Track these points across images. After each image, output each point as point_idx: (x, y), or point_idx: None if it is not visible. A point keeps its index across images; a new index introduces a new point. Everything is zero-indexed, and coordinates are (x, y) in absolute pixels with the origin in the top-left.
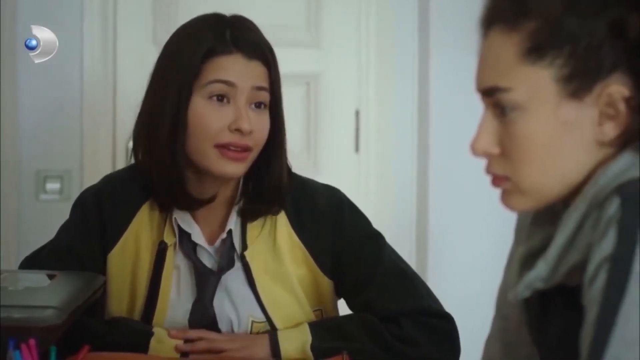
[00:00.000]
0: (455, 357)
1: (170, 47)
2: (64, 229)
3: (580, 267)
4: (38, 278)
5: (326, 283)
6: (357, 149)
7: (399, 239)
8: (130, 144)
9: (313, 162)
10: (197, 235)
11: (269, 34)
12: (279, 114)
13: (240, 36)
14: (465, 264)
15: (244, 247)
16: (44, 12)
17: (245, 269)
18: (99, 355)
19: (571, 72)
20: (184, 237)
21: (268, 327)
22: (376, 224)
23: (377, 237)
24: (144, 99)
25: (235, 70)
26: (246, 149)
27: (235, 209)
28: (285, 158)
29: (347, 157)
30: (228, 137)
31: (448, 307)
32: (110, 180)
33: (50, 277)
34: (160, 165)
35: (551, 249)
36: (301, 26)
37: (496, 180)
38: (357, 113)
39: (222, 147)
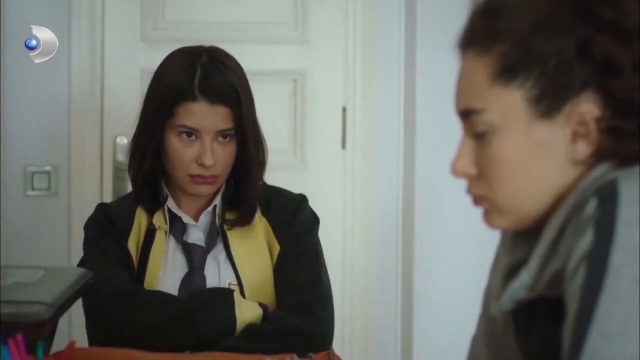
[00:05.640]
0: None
1: (153, 82)
2: (88, 246)
3: (563, 275)
4: (26, 273)
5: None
6: (343, 145)
7: (385, 236)
8: (118, 140)
9: (300, 159)
10: (186, 217)
11: (257, 31)
12: (248, 141)
13: (208, 82)
14: (452, 261)
15: (224, 221)
16: (33, 9)
17: (224, 240)
18: (86, 350)
19: (541, 93)
20: (175, 222)
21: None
22: (362, 221)
23: (315, 229)
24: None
25: (200, 116)
26: (212, 177)
27: (220, 195)
28: (258, 175)
29: (334, 153)
30: (196, 170)
31: (434, 303)
32: (105, 202)
33: (38, 272)
34: (135, 180)
35: (533, 256)
36: (288, 23)
37: (476, 200)
38: (344, 110)
39: (193, 177)
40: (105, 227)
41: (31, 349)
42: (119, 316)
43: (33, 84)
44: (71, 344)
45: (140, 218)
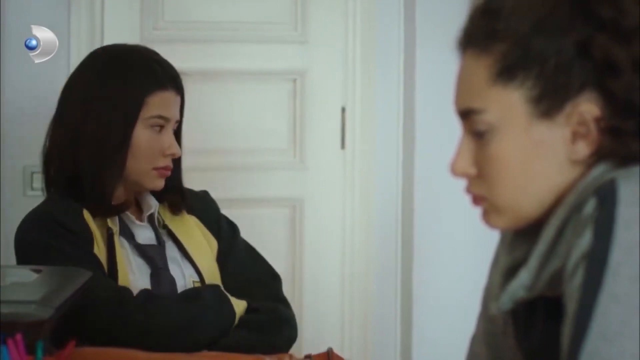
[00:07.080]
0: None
1: (110, 82)
2: (54, 255)
3: (562, 275)
4: (25, 273)
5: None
6: (343, 145)
7: (385, 236)
8: None
9: (299, 159)
10: (136, 221)
11: (256, 31)
12: (180, 134)
13: (167, 72)
14: (452, 261)
15: (163, 220)
16: (33, 9)
17: (173, 238)
18: (86, 350)
19: (541, 93)
20: (122, 224)
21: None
22: (361, 220)
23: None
24: (67, 124)
25: (172, 104)
26: (170, 168)
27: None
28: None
29: (333, 153)
30: (164, 162)
31: (433, 303)
32: (40, 208)
33: (37, 272)
34: (100, 182)
35: (533, 256)
36: (287, 23)
37: (475, 200)
38: (343, 110)
39: (159, 169)
40: (66, 235)
41: (31, 349)
42: (138, 320)
43: (32, 84)
44: (71, 344)
45: (90, 223)
